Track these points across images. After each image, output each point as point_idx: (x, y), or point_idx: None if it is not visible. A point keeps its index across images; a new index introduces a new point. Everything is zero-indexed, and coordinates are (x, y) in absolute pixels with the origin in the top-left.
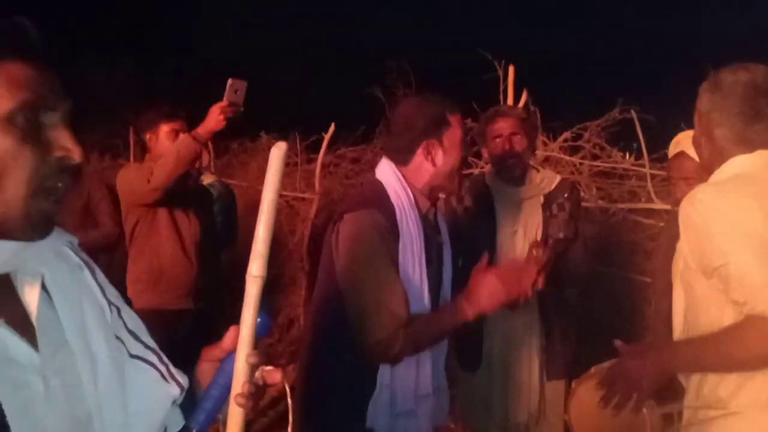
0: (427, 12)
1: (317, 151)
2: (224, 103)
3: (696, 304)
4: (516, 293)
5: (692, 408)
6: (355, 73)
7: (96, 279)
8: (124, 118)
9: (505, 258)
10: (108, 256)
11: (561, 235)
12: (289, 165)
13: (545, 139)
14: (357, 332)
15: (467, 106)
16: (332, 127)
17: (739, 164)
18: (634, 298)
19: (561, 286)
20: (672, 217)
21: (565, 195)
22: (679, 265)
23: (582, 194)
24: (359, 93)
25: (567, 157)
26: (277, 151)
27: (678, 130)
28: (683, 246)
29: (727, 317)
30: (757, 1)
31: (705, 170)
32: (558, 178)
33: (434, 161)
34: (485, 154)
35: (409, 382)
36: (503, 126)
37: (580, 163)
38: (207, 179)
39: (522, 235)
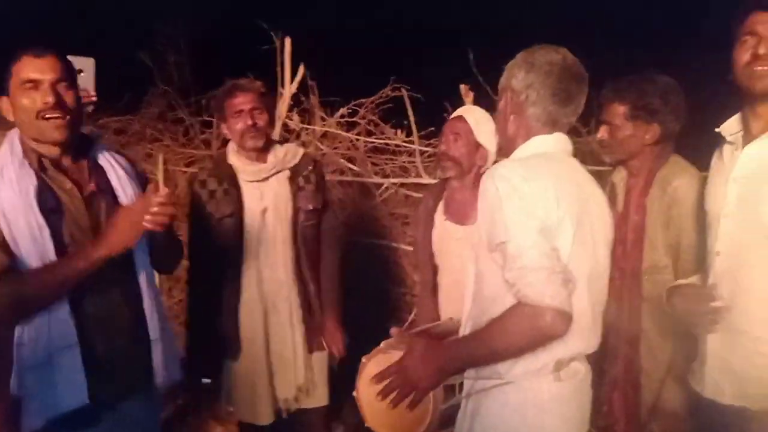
0: None
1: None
2: None
3: (481, 277)
4: (138, 224)
5: (471, 379)
6: (120, 36)
7: None
8: None
9: (254, 240)
10: None
11: (310, 207)
12: None
13: (323, 114)
14: None
15: (244, 78)
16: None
17: (542, 143)
18: (406, 268)
19: (316, 255)
20: (429, 188)
21: (309, 168)
22: (474, 237)
23: (358, 169)
24: (124, 58)
25: (344, 133)
26: None
27: (443, 108)
28: (480, 218)
29: (506, 294)
30: None
31: (506, 146)
32: (301, 151)
33: (12, 115)
34: (224, 129)
35: (41, 334)
36: (243, 100)
37: (357, 139)
38: None
39: (272, 211)
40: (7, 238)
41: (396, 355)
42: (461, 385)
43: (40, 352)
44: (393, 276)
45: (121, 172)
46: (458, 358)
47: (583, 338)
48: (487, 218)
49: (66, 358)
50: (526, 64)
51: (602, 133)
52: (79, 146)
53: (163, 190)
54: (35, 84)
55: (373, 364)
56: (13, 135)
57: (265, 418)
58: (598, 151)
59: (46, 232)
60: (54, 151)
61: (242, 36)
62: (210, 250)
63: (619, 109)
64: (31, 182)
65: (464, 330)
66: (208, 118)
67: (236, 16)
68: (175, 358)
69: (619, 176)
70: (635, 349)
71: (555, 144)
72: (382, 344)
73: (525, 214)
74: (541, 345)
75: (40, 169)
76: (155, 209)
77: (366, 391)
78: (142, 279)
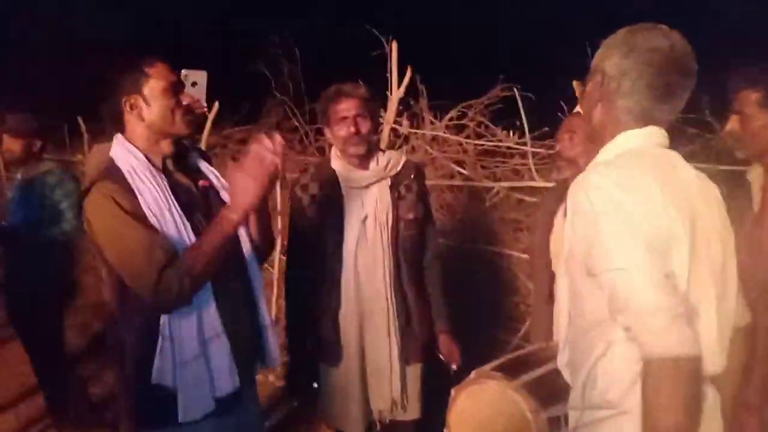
0: None
1: (201, 132)
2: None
3: (579, 299)
4: (266, 175)
5: (578, 410)
6: (236, 49)
7: None
8: None
9: (354, 246)
10: None
11: (411, 216)
12: None
13: (432, 118)
14: (137, 293)
15: (349, 83)
16: (216, 106)
17: (634, 137)
18: (518, 277)
19: (417, 265)
20: (549, 191)
21: (411, 176)
22: (564, 250)
23: (468, 173)
24: (242, 69)
25: (453, 137)
26: None
27: (556, 107)
28: (569, 231)
29: (612, 321)
30: None
31: (592, 138)
32: (404, 158)
33: (141, 115)
34: (328, 134)
35: (191, 328)
36: (347, 106)
37: (466, 142)
38: (44, 166)
39: (372, 220)
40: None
41: (491, 385)
42: (566, 417)
43: (193, 344)
44: (505, 284)
45: (214, 174)
46: None
47: (707, 361)
48: (581, 236)
49: (217, 348)
50: (624, 47)
51: (732, 124)
52: (181, 150)
53: (267, 138)
54: (178, 88)
55: (464, 396)
56: (122, 139)
57: (357, 428)
58: (732, 148)
59: (188, 225)
60: (170, 152)
61: (354, 42)
62: (310, 254)
63: (751, 97)
64: (164, 181)
65: (562, 357)
66: (322, 126)
67: (347, 23)
68: (277, 343)
69: (755, 173)
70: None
71: (648, 138)
72: (473, 374)
73: (628, 232)
74: (693, 392)
75: (164, 170)
76: (269, 157)
77: (458, 421)
78: (252, 268)
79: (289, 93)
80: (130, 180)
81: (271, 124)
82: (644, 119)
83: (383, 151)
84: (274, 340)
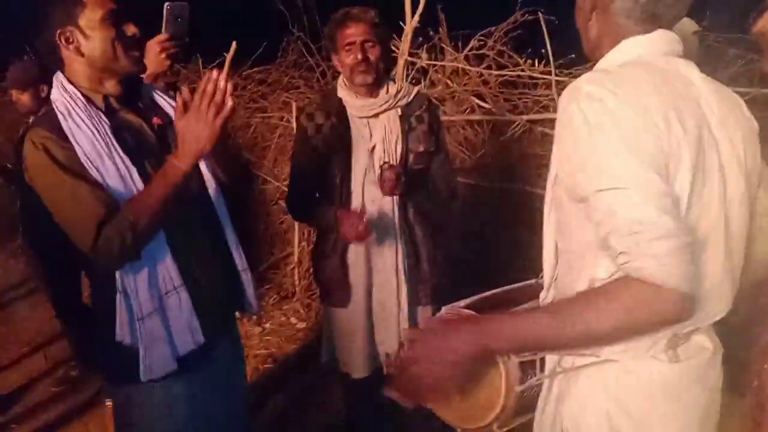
0: None
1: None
2: (164, 36)
3: (567, 229)
4: (217, 117)
5: (557, 354)
6: None
7: None
8: None
9: (361, 178)
10: None
11: (421, 149)
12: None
13: (451, 49)
14: (80, 249)
15: (358, 7)
16: (234, 46)
17: (635, 46)
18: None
19: (424, 203)
20: None
21: (423, 107)
22: (551, 174)
23: (489, 106)
24: (258, 7)
25: (473, 68)
26: None
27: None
28: (556, 149)
29: (602, 252)
30: None
31: (590, 53)
32: (415, 90)
33: (79, 50)
34: (336, 61)
35: (144, 282)
36: (355, 32)
37: (487, 73)
38: None
39: (381, 150)
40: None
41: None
42: (543, 361)
43: (148, 300)
44: (528, 222)
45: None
46: (526, 337)
47: (706, 308)
48: (570, 153)
49: (175, 302)
50: None
51: (764, 22)
52: (133, 86)
53: (215, 72)
54: (119, 17)
55: None
56: (61, 78)
57: (361, 370)
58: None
59: (134, 171)
60: (116, 91)
61: None
62: (314, 186)
63: None
64: (105, 123)
65: (546, 296)
66: (329, 53)
67: None
68: (257, 288)
69: None
70: None
71: (656, 45)
72: (443, 310)
73: (627, 147)
74: (656, 330)
75: (107, 110)
76: (219, 97)
77: None
78: (221, 210)
79: (305, 30)
80: (64, 125)
81: (289, 63)
82: (648, 21)
83: (394, 81)
84: (251, 285)
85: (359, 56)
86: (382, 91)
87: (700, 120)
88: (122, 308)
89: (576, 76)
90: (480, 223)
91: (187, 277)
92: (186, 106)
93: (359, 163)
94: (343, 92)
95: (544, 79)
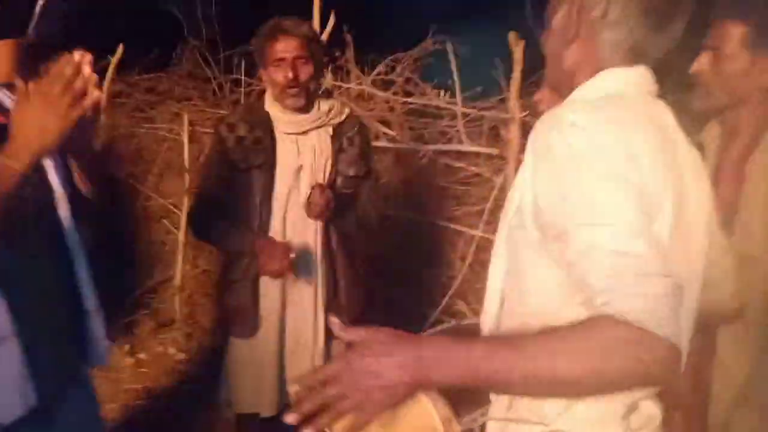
0: None
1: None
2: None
3: (522, 279)
4: (72, 106)
5: (499, 420)
6: None
7: None
8: None
9: (284, 200)
10: None
11: (351, 173)
12: None
13: (359, 72)
14: None
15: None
16: (120, 49)
17: (617, 80)
18: (443, 247)
19: (348, 231)
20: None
21: (355, 129)
22: (508, 212)
23: (394, 134)
24: (151, 10)
25: (381, 93)
26: None
27: (490, 65)
28: (523, 185)
29: (563, 301)
30: None
31: (558, 81)
32: (347, 110)
33: None
34: (264, 77)
35: None
36: (286, 47)
37: (394, 100)
38: None
39: (308, 171)
40: None
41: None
42: (483, 428)
43: None
44: (429, 256)
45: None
46: (478, 370)
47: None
48: (546, 186)
49: (4, 354)
50: None
51: (702, 62)
52: None
53: (77, 54)
54: None
55: None
56: None
57: (269, 408)
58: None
59: None
60: None
61: None
62: (226, 204)
63: (734, 32)
64: None
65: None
66: (239, 77)
67: None
68: (106, 332)
69: (711, 135)
70: (705, 365)
71: (638, 81)
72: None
73: (613, 181)
74: (628, 386)
75: None
76: (79, 83)
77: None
78: (71, 235)
79: (203, 38)
80: None
81: (182, 72)
82: (634, 56)
83: (326, 98)
84: (100, 330)
85: (290, 74)
86: (314, 108)
87: (679, 169)
88: None
89: (482, 110)
90: (380, 254)
91: (25, 319)
92: (29, 94)
93: (283, 182)
94: (270, 105)
95: (448, 110)
